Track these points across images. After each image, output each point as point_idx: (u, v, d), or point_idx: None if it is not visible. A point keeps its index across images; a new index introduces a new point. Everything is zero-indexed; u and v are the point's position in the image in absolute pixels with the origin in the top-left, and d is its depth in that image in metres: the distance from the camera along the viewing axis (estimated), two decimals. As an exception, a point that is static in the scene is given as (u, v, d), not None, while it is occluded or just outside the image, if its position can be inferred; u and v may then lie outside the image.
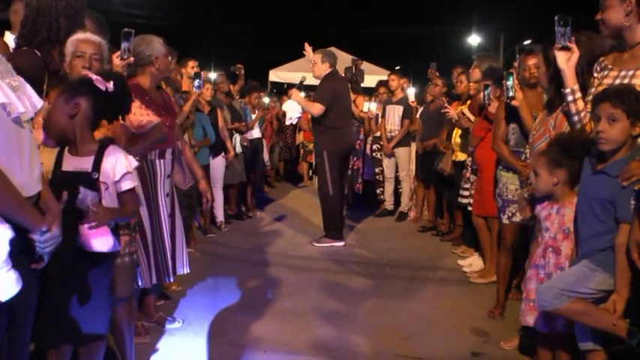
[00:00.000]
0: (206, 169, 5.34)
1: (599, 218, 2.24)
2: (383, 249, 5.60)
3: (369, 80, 8.92)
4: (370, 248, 5.62)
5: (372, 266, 4.97)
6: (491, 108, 4.00)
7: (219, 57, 18.75)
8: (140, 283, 3.01)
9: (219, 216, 6.15)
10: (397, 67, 15.42)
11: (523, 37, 15.62)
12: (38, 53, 2.50)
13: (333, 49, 7.23)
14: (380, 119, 7.23)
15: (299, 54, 6.25)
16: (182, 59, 5.34)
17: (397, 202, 7.29)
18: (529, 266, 2.68)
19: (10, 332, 1.61)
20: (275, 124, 9.54)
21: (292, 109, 5.78)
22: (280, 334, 3.35)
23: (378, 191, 7.57)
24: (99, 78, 2.10)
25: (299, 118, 6.41)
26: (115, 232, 2.13)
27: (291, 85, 9.81)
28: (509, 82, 3.32)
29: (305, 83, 6.16)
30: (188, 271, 3.31)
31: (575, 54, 2.53)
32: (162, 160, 3.11)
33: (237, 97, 7.22)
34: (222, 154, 5.97)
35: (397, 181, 7.18)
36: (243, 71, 7.42)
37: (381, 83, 7.72)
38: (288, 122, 6.80)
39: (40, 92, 1.71)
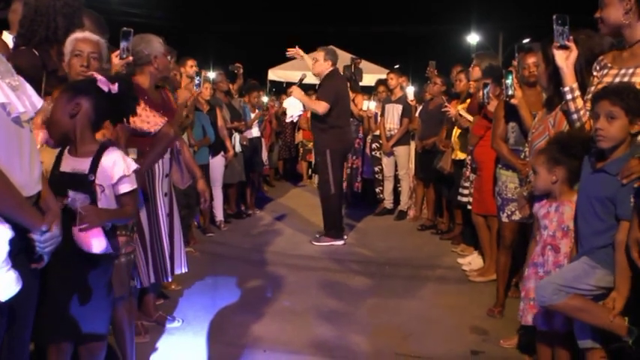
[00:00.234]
0: (205, 168, 5.35)
1: (599, 216, 2.24)
2: (382, 248, 5.60)
3: (368, 79, 8.90)
4: (370, 247, 5.62)
5: (371, 265, 4.97)
6: (491, 106, 4.01)
7: (218, 56, 18.81)
8: (137, 283, 3.00)
9: (219, 215, 6.15)
10: (396, 66, 15.41)
11: (522, 35, 15.65)
12: (36, 52, 2.50)
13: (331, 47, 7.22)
14: (379, 118, 7.23)
15: (298, 53, 6.24)
16: (181, 58, 5.33)
17: (396, 200, 7.29)
18: (527, 265, 2.68)
19: (10, 332, 1.61)
20: (274, 124, 9.54)
21: (293, 106, 5.74)
22: (280, 333, 3.35)
23: (377, 190, 7.56)
24: (103, 79, 2.08)
25: (299, 116, 6.37)
26: (111, 233, 2.11)
27: (290, 84, 9.80)
28: (509, 81, 3.32)
29: (304, 82, 6.15)
30: (186, 270, 3.31)
31: (574, 52, 2.52)
32: (160, 160, 3.10)
33: (237, 96, 7.22)
34: (222, 153, 5.97)
35: (396, 180, 7.18)
36: (242, 70, 7.40)
37: (380, 82, 7.70)
38: (288, 120, 6.76)
39: (38, 92, 1.71)
